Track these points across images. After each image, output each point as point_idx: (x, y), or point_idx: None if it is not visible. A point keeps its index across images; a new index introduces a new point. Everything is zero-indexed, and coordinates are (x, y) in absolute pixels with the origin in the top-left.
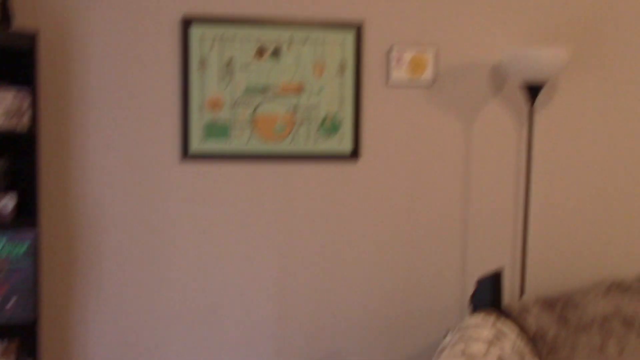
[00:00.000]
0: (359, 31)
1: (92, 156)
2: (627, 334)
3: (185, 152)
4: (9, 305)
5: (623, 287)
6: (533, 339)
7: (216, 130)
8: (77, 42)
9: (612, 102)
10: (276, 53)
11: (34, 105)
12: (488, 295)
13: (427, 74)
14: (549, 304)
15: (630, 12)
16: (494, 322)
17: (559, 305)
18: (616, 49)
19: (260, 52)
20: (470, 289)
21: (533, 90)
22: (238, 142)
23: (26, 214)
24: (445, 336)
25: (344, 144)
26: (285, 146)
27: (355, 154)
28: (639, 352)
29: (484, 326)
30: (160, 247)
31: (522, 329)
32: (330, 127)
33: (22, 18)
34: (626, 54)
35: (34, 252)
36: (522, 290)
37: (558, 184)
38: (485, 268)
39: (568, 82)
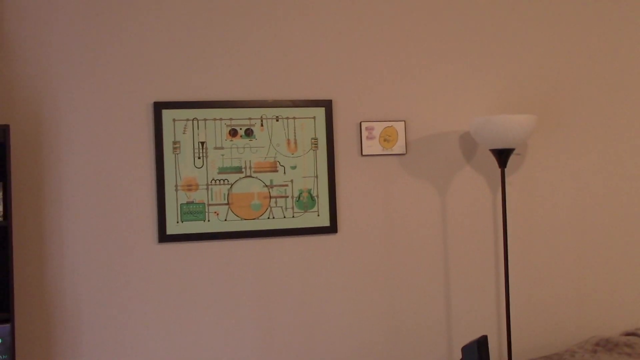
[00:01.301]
0: (329, 107)
1: (68, 243)
2: None
3: (163, 234)
4: None
5: (609, 345)
6: None
7: (192, 210)
8: (49, 131)
9: (579, 162)
10: (249, 132)
11: (6, 197)
12: None
13: (399, 144)
14: None
15: (589, 80)
16: None
17: None
18: (577, 113)
19: (232, 132)
20: (456, 356)
21: (503, 155)
22: (215, 221)
23: (0, 309)
24: None
25: (321, 217)
26: (262, 223)
27: (333, 226)
28: None
29: None
30: (139, 331)
31: None
32: (307, 201)
33: None
34: (586, 117)
35: (9, 347)
36: (510, 354)
37: (535, 242)
38: (470, 331)
39: (536, 145)
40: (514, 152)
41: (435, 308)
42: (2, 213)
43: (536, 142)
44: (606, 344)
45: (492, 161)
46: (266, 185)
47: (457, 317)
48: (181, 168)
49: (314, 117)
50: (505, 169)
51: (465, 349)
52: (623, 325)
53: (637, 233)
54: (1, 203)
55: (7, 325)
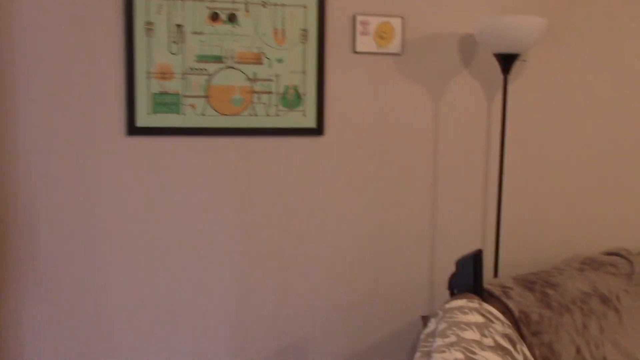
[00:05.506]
0: None
1: (24, 134)
2: (606, 312)
3: (132, 126)
4: None
5: (595, 264)
6: (517, 321)
7: (166, 101)
8: (5, 4)
9: (584, 74)
10: (232, 18)
11: None
12: (469, 277)
13: (395, 43)
14: (528, 284)
15: None
16: (478, 306)
17: (538, 285)
18: (587, 21)
19: (214, 16)
20: (440, 270)
21: (507, 61)
22: (191, 115)
23: None
24: (426, 322)
25: (308, 117)
26: (243, 120)
27: (319, 128)
28: (617, 329)
29: (470, 310)
30: (105, 233)
31: (506, 311)
32: (293, 99)
33: None
34: (597, 26)
35: None
36: (496, 270)
37: (530, 156)
38: (455, 245)
39: (538, 52)
40: (520, 57)
41: (423, 216)
42: None
43: (539, 48)
44: (592, 263)
45: (490, 68)
46: (249, 79)
47: (443, 227)
48: (154, 53)
49: (305, 6)
50: (508, 77)
51: (460, 262)
52: (605, 245)
53: (637, 153)
54: None
55: None
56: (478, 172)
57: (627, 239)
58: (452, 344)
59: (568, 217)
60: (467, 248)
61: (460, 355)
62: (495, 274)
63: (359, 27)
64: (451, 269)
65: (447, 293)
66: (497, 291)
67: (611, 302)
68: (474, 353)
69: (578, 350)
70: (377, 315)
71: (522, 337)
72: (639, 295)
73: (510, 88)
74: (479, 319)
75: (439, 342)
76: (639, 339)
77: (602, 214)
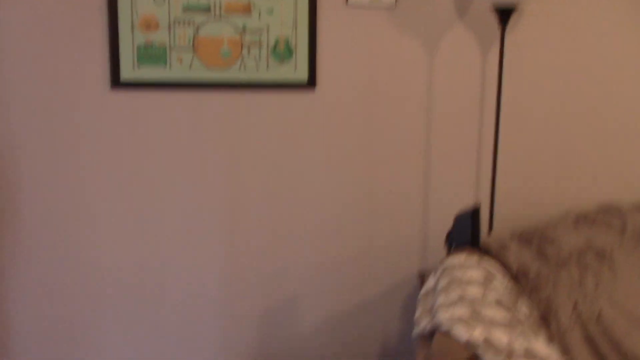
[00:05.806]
0: None
1: (3, 88)
2: (601, 267)
3: (116, 80)
4: None
5: (589, 220)
6: (516, 277)
7: (151, 54)
8: None
9: (583, 26)
10: None
11: None
12: (467, 233)
13: None
14: (525, 239)
15: None
16: (478, 262)
17: (535, 240)
18: None
19: None
20: (433, 226)
21: (504, 14)
22: (178, 68)
23: None
24: (424, 279)
25: (299, 71)
26: (232, 73)
27: (311, 81)
28: (611, 284)
29: (470, 266)
30: (88, 193)
31: (504, 267)
32: (283, 52)
33: None
34: None
35: None
36: (491, 225)
37: (526, 111)
38: (449, 201)
39: (535, 4)
40: (517, 9)
41: (416, 172)
42: None
43: (535, 1)
44: (586, 218)
45: (487, 20)
46: (238, 30)
47: (437, 183)
48: (138, 3)
49: None
50: (505, 30)
51: (459, 218)
52: (598, 199)
53: (634, 107)
54: None
55: None
56: (473, 126)
57: (621, 192)
58: (456, 301)
59: (563, 171)
60: (460, 204)
61: (466, 312)
62: (490, 230)
63: None
64: (445, 224)
65: (440, 249)
66: (494, 247)
67: (606, 257)
68: (479, 309)
69: (575, 306)
70: (370, 271)
71: (523, 293)
72: (632, 250)
73: (506, 41)
74: (480, 274)
75: (442, 298)
76: (632, 294)
77: (597, 168)
